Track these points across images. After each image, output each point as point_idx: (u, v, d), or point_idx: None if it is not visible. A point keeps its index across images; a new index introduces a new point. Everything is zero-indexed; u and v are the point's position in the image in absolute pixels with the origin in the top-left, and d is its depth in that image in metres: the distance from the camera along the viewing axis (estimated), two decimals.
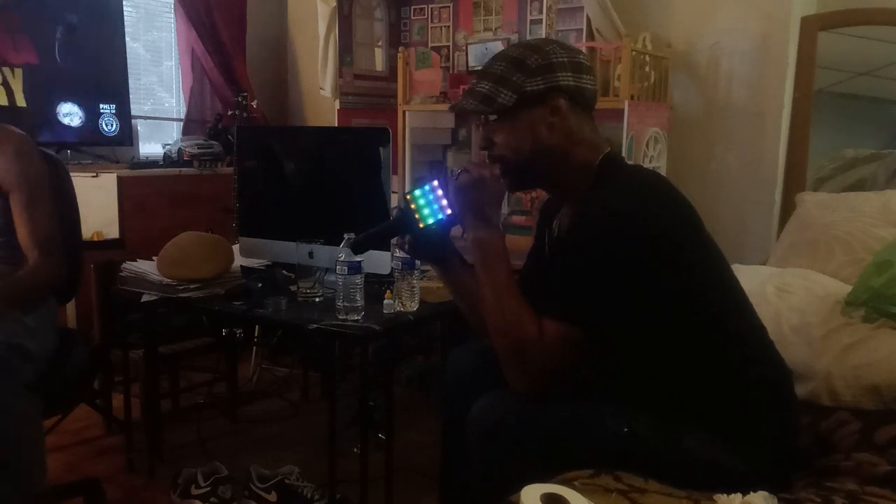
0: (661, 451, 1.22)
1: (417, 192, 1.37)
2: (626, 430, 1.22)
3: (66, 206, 2.07)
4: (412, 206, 1.37)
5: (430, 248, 1.46)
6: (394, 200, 2.12)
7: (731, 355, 1.27)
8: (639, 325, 1.23)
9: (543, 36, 3.07)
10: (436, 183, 1.37)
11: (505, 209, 1.42)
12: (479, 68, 1.40)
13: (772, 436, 1.27)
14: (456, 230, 1.41)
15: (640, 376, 1.28)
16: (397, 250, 1.90)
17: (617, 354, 1.27)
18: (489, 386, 1.31)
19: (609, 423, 1.23)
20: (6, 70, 2.95)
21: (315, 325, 1.84)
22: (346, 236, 1.83)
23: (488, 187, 1.32)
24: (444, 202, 1.36)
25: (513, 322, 1.25)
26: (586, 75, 1.32)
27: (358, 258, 1.82)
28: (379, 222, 1.49)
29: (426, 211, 1.37)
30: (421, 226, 1.38)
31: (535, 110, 1.30)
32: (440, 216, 1.37)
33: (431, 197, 1.37)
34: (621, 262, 1.19)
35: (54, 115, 3.09)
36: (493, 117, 1.33)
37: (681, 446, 1.23)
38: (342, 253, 1.82)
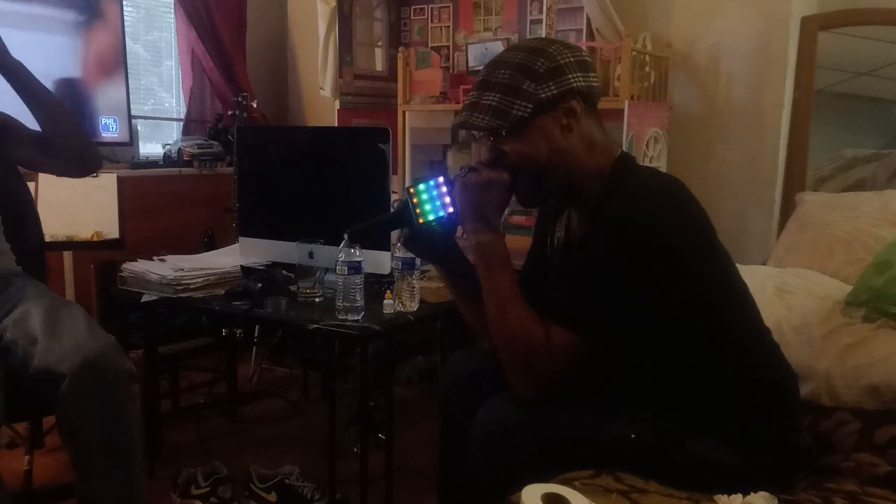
0: (665, 454, 1.21)
1: (421, 187, 1.34)
2: (633, 436, 1.20)
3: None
4: (414, 200, 1.34)
5: (429, 244, 1.41)
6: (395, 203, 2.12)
7: (736, 360, 1.27)
8: (648, 333, 1.21)
9: (543, 35, 3.07)
10: (441, 179, 1.33)
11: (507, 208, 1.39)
12: (478, 78, 1.30)
13: (776, 438, 1.27)
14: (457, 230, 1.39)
15: (646, 381, 1.27)
16: (397, 250, 1.90)
17: (623, 360, 1.25)
18: (487, 389, 1.31)
19: (615, 428, 1.22)
20: None
21: (315, 325, 1.83)
22: (345, 235, 1.83)
23: (494, 190, 1.29)
24: (447, 200, 1.33)
25: (517, 329, 1.23)
26: (592, 73, 1.29)
27: (358, 258, 1.82)
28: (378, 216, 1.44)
29: (427, 207, 1.34)
30: (420, 221, 1.35)
31: (548, 116, 1.25)
32: (441, 214, 1.34)
33: (435, 193, 1.33)
34: (634, 274, 1.17)
35: None
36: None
37: (685, 450, 1.22)
38: (342, 253, 1.82)
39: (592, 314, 1.20)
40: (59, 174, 2.08)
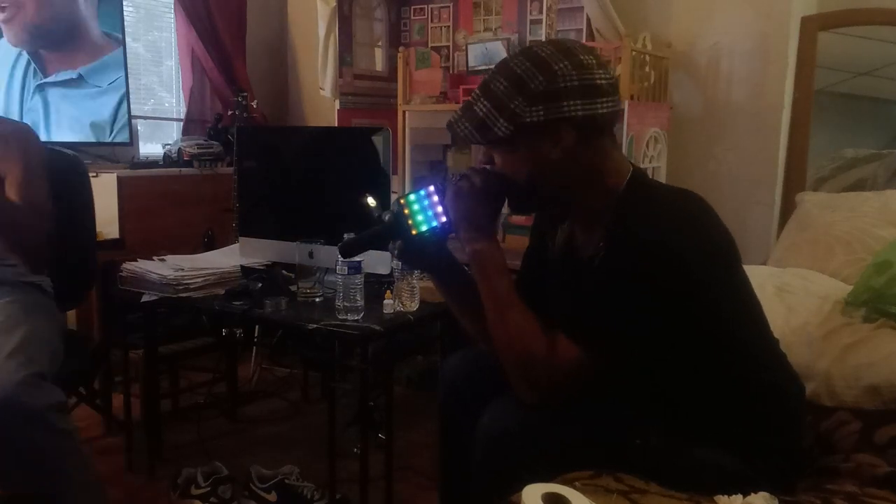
0: (669, 460, 1.21)
1: (412, 197, 1.31)
2: (637, 441, 1.20)
3: (78, 205, 2.14)
4: (405, 212, 1.31)
5: (422, 255, 1.39)
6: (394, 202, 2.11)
7: (743, 368, 1.26)
8: (661, 350, 1.20)
9: (543, 37, 3.06)
10: (432, 189, 1.30)
11: (505, 209, 1.36)
12: (485, 77, 1.25)
13: (781, 444, 1.27)
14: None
15: (652, 388, 1.26)
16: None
17: (630, 371, 1.24)
18: (485, 389, 1.30)
19: (619, 433, 1.21)
20: None
21: (315, 325, 1.84)
22: (345, 236, 1.83)
23: (487, 198, 1.27)
24: (440, 209, 1.30)
25: (515, 334, 1.22)
26: (601, 98, 1.19)
27: (358, 258, 1.82)
28: (373, 224, 1.42)
29: (420, 217, 1.31)
30: (413, 232, 1.32)
31: (535, 141, 1.20)
32: (434, 224, 1.31)
33: (426, 203, 1.31)
34: (654, 296, 1.15)
35: None
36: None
37: (690, 455, 1.22)
38: None
39: (608, 331, 1.18)
40: None
